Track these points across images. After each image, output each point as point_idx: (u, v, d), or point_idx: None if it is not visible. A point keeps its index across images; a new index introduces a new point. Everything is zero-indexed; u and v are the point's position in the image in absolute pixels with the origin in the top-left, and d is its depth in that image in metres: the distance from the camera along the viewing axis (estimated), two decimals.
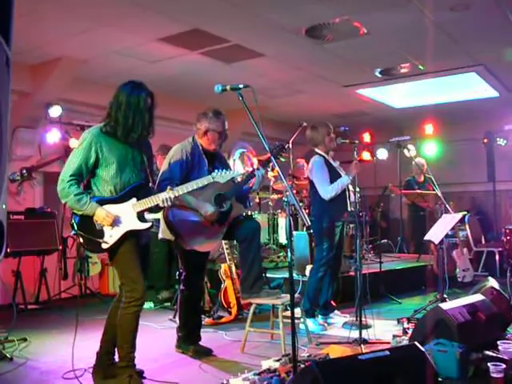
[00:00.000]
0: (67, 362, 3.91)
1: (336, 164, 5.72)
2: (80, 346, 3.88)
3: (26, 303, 6.75)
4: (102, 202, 3.64)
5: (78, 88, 7.53)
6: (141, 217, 3.71)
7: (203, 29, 6.11)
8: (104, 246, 3.63)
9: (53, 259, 7.31)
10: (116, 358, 3.79)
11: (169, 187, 3.78)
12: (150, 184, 3.84)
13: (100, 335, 3.90)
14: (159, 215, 4.51)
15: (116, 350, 3.80)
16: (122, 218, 3.65)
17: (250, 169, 4.86)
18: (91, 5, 5.35)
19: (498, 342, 3.78)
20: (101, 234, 3.64)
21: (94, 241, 3.63)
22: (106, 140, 3.65)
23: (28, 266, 7.05)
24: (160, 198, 3.71)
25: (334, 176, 5.54)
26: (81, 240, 3.69)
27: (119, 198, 3.68)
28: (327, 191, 5.47)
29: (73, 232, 3.71)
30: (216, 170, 3.92)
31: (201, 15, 5.74)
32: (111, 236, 3.63)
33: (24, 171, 7.25)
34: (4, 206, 1.61)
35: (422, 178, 8.97)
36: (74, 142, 7.61)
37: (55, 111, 7.32)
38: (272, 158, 3.71)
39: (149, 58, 7.06)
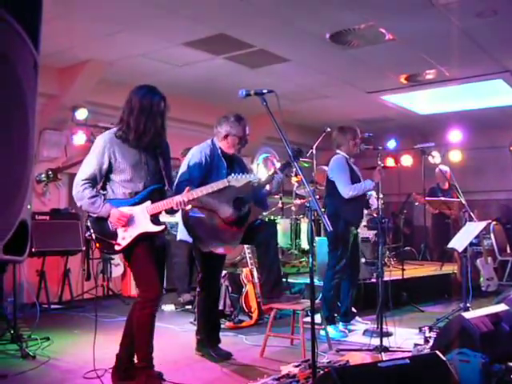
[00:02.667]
0: (89, 362, 3.94)
1: (356, 169, 5.69)
2: (102, 347, 3.92)
3: (50, 303, 6.83)
4: (117, 204, 3.67)
5: (103, 91, 7.61)
6: (155, 219, 3.72)
7: (228, 34, 6.14)
8: (117, 247, 3.68)
9: (76, 260, 7.41)
10: (135, 359, 3.81)
11: (187, 188, 3.77)
12: (166, 187, 3.83)
13: (121, 336, 3.92)
14: (177, 217, 4.53)
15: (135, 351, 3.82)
16: (136, 221, 3.67)
17: (271, 172, 4.84)
18: (117, 8, 5.43)
19: None
20: (114, 235, 3.67)
21: (107, 242, 3.68)
22: (119, 145, 3.69)
23: (52, 266, 7.14)
24: (174, 202, 3.71)
25: (354, 178, 5.51)
26: (95, 241, 3.73)
27: (133, 201, 3.70)
28: (349, 189, 5.41)
29: (87, 233, 3.74)
30: (233, 174, 3.89)
31: (226, 20, 5.78)
32: (124, 238, 3.66)
33: (50, 172, 7.35)
34: (29, 206, 1.64)
35: (447, 185, 8.87)
36: None
37: (81, 114, 7.43)
38: (294, 163, 3.66)
39: (174, 62, 7.12)
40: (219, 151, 4.52)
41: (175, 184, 4.16)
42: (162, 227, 3.76)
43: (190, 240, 4.48)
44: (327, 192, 5.74)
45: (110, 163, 3.68)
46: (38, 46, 1.71)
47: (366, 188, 5.50)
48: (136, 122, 3.63)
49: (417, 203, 9.51)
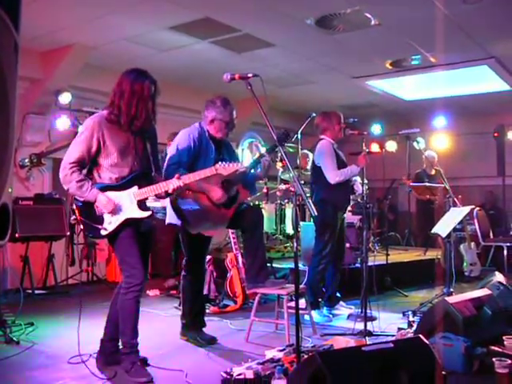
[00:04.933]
0: (73, 347, 3.93)
1: (341, 154, 5.69)
2: (86, 332, 3.90)
3: (34, 288, 6.77)
4: (103, 188, 3.66)
5: (88, 75, 7.53)
6: (142, 205, 3.72)
7: (214, 18, 6.09)
8: (103, 232, 3.67)
9: (60, 245, 7.36)
10: (120, 344, 3.81)
11: (177, 175, 3.75)
12: (153, 173, 3.82)
13: (106, 321, 3.92)
14: (166, 201, 4.51)
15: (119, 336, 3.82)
16: (123, 206, 3.67)
17: (257, 155, 4.84)
18: None
19: (504, 338, 3.78)
20: (100, 220, 3.67)
21: (93, 227, 3.67)
22: (108, 128, 3.66)
23: (36, 251, 7.08)
24: (170, 187, 3.70)
25: (339, 164, 5.51)
26: (81, 226, 3.73)
27: (120, 186, 3.69)
28: (335, 174, 5.41)
29: (73, 217, 3.74)
30: (220, 162, 3.87)
31: (212, 4, 5.72)
32: (110, 223, 3.66)
33: (33, 157, 7.26)
34: (10, 190, 1.61)
35: (433, 171, 8.92)
36: None
37: (65, 98, 7.34)
38: (279, 148, 3.67)
39: (159, 46, 7.05)
40: (207, 134, 4.50)
41: (164, 167, 4.16)
42: (149, 213, 3.76)
43: (179, 223, 4.47)
44: (314, 178, 5.73)
45: (98, 146, 3.65)
46: (18, 26, 1.66)
47: (353, 173, 5.51)
48: (127, 105, 3.60)
49: (408, 189, 9.53)
